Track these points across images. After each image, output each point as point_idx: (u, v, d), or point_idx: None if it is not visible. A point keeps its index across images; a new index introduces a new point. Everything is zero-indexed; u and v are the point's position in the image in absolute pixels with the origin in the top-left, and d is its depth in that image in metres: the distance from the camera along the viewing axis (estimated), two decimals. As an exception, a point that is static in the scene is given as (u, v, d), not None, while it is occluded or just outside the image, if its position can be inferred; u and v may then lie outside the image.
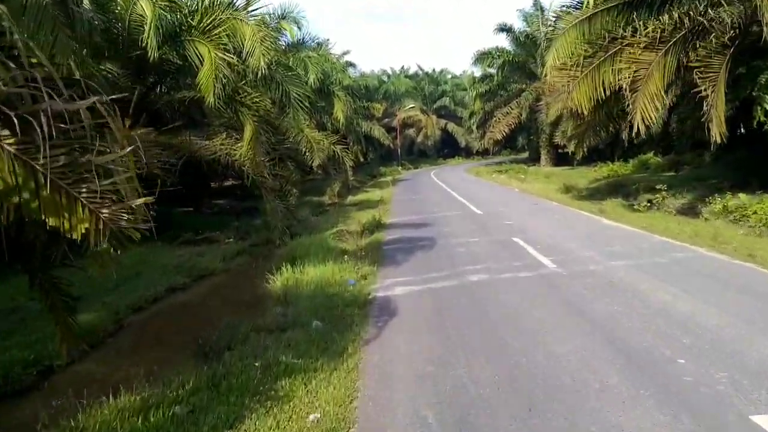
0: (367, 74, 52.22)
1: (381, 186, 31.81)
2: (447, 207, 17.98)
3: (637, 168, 28.38)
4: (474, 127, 39.97)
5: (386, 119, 56.41)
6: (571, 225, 12.52)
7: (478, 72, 40.48)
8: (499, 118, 36.34)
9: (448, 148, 68.89)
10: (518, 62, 35.89)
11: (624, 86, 12.63)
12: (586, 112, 13.96)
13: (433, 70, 68.60)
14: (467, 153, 67.63)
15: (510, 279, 7.79)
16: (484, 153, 69.74)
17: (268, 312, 7.01)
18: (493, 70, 38.52)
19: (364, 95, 51.75)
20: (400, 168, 53.24)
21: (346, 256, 10.22)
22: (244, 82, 13.80)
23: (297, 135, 23.97)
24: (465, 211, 16.53)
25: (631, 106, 11.79)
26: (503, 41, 36.54)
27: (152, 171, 12.15)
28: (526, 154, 64.12)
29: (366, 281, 8.32)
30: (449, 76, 70.78)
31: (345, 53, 55.42)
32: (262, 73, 13.62)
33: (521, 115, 35.85)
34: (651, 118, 11.41)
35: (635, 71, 11.80)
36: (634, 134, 11.75)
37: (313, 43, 28.87)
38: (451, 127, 63.43)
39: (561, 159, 38.19)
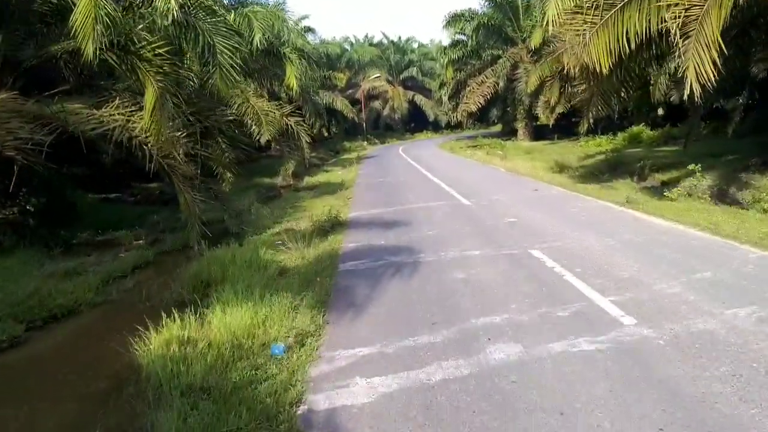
0: (329, 41, 48.01)
1: (344, 164, 28.22)
2: (425, 194, 14.66)
3: (628, 142, 25.56)
4: (445, 98, 36.57)
5: (350, 90, 52.49)
6: (606, 225, 8.82)
7: (448, 38, 36.77)
8: (473, 88, 33.02)
9: (415, 122, 65.32)
10: (494, 26, 32.44)
11: (661, 32, 9.39)
12: (605, 71, 10.64)
13: (399, 38, 64.53)
14: (435, 127, 64.24)
15: (572, 361, 4.11)
16: (453, 127, 66.58)
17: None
18: (464, 36, 35.00)
19: (325, 63, 47.71)
20: (365, 143, 49.57)
21: (283, 281, 6.79)
22: (142, 26, 10.01)
23: (242, 105, 20.26)
24: (450, 202, 13.01)
25: (682, 57, 8.53)
26: (477, 3, 32.98)
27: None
28: (498, 128, 61.25)
29: (303, 350, 4.68)
30: (416, 45, 66.85)
31: (303, 18, 51.33)
32: (174, 16, 9.92)
33: (497, 85, 32.59)
34: (707, 75, 8.21)
35: (686, 9, 8.51)
36: (686, 96, 8.55)
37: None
38: (419, 99, 59.77)
39: (538, 133, 35.28)
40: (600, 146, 26.27)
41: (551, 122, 30.43)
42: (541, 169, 19.38)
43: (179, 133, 10.37)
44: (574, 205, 11.16)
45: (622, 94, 14.26)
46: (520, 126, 34.60)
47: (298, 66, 21.93)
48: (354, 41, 60.84)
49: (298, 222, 11.47)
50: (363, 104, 51.79)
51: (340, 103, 44.58)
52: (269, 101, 21.33)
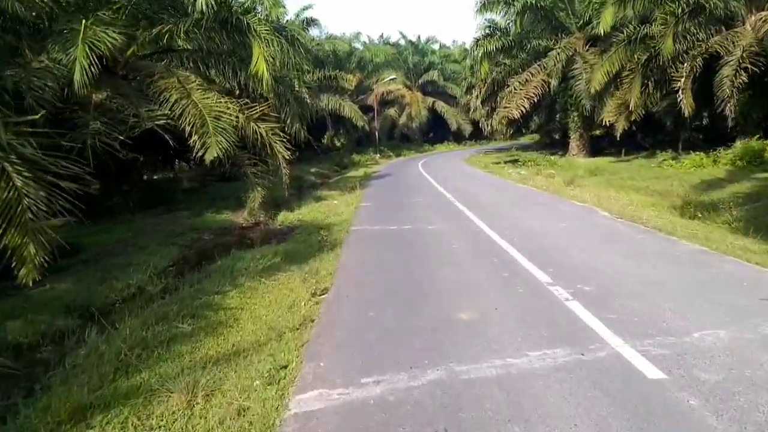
0: (336, 37, 41.10)
1: (347, 186, 21.01)
2: (490, 284, 6.56)
3: (746, 162, 18.00)
4: (477, 102, 29.36)
5: (360, 96, 45.52)
6: None
7: (481, 27, 29.33)
8: (514, 89, 25.71)
9: (435, 132, 58.16)
10: (543, 9, 25.15)
11: None
12: None
13: (418, 38, 57.49)
14: (457, 138, 57.02)
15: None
16: (477, 138, 59.26)
17: None
18: (500, 17, 27.59)
19: (332, 62, 40.84)
20: (377, 156, 42.42)
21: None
22: None
23: (179, 102, 13.37)
24: (581, 344, 4.59)
25: None
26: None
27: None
28: (529, 139, 53.74)
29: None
30: (437, 46, 59.82)
31: (305, 8, 44.73)
32: None
33: (546, 84, 25.27)
34: None
35: None
36: None
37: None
38: (440, 106, 52.65)
39: (593, 147, 27.83)
40: (701, 166, 18.76)
41: (618, 132, 22.98)
42: (649, 206, 12.02)
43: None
44: None
45: None
46: (573, 137, 27.14)
47: (275, 48, 14.87)
48: (366, 41, 53.95)
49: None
50: (376, 111, 44.74)
51: (349, 109, 37.60)
52: (228, 98, 14.35)
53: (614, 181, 17.30)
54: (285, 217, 14.44)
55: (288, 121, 16.13)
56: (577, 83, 23.70)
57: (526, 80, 25.65)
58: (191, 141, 12.81)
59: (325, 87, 38.03)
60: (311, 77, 36.32)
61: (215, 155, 12.69)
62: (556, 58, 24.14)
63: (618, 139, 23.50)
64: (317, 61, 40.03)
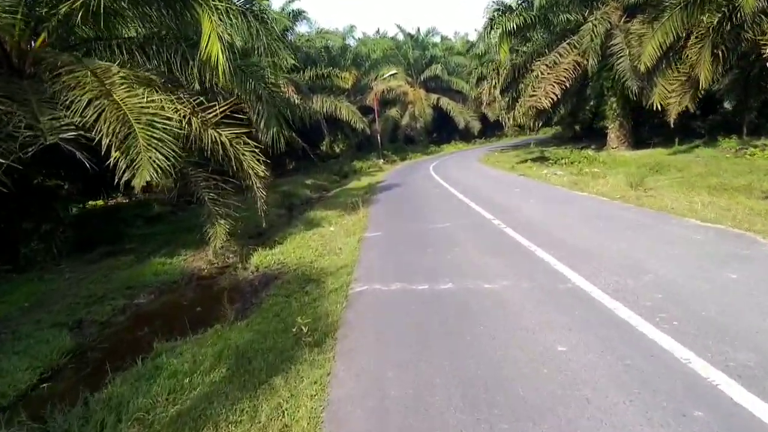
0: (328, 31, 37.00)
1: (344, 205, 16.83)
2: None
3: None
4: (497, 93, 25.19)
5: (358, 96, 41.46)
6: None
7: (487, 15, 25.01)
8: (541, 73, 21.53)
9: (441, 131, 54.03)
10: (570, -25, 20.99)
11: None
12: None
13: (418, 30, 53.36)
14: (466, 136, 52.88)
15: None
16: (487, 135, 55.10)
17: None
18: None
19: (324, 59, 36.78)
20: (381, 161, 38.31)
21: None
22: None
23: (94, 103, 9.42)
24: None
25: None
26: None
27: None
28: (543, 133, 49.44)
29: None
30: (438, 39, 55.66)
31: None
32: None
33: (579, 66, 21.07)
34: None
35: None
36: None
37: None
38: (446, 103, 48.46)
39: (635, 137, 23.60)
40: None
41: (672, 117, 18.77)
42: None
43: None
44: None
45: None
46: (612, 127, 22.90)
47: (237, 24, 10.83)
48: (362, 36, 49.84)
49: None
50: (376, 112, 40.60)
51: (346, 111, 33.48)
52: (171, 96, 10.35)
53: (695, 181, 13.07)
54: (262, 258, 10.28)
55: (262, 125, 12.00)
56: (619, 61, 19.49)
57: (555, 62, 21.46)
58: (112, 159, 8.78)
59: (317, 87, 33.99)
60: (301, 77, 32.33)
61: (149, 178, 8.63)
62: (592, 32, 19.92)
63: (672, 125, 19.28)
64: (308, 58, 35.99)
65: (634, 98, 19.58)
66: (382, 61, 42.89)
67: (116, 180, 8.64)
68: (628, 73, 19.25)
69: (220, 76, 10.09)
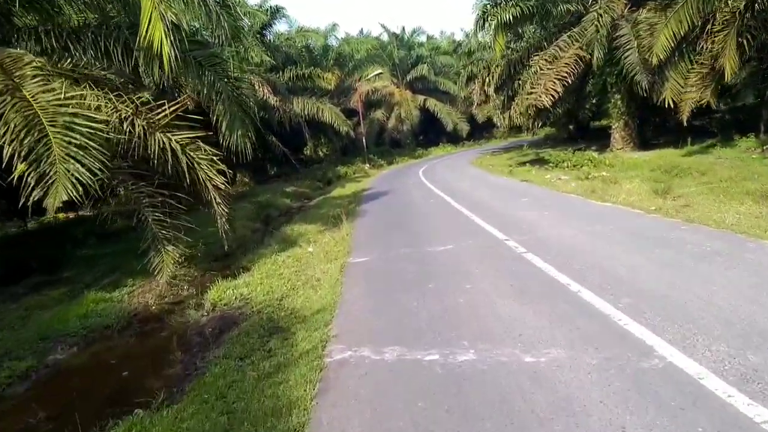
0: (309, 29, 34.99)
1: (326, 218, 14.82)
2: None
3: None
4: (491, 91, 23.39)
5: (342, 98, 39.50)
6: None
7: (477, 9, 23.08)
8: (540, 68, 19.74)
9: (428, 134, 52.15)
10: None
11: None
12: None
13: (403, 29, 51.57)
14: (454, 139, 51.06)
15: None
16: (475, 138, 53.37)
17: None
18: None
19: (305, 59, 34.77)
20: (366, 166, 36.36)
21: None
22: None
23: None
24: None
25: None
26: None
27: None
28: (532, 135, 47.77)
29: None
30: (423, 38, 53.89)
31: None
32: None
33: (582, 60, 19.33)
34: None
35: None
36: None
37: None
38: (433, 104, 46.66)
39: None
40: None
41: (685, 114, 17.09)
42: None
43: None
44: None
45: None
46: (616, 126, 21.17)
47: (188, 3, 8.82)
48: (345, 35, 47.87)
49: None
50: (361, 114, 38.64)
51: (329, 113, 31.47)
52: (106, 92, 8.27)
53: (728, 187, 11.24)
54: (222, 292, 8.23)
55: (223, 128, 9.98)
56: (626, 54, 17.76)
57: (554, 57, 19.67)
58: (16, 173, 6.77)
59: (298, 89, 31.98)
60: (281, 77, 30.32)
61: (66, 197, 6.65)
62: (598, 22, 18.16)
63: (685, 123, 17.59)
64: (287, 59, 33.98)
65: (645, 94, 17.82)
66: (367, 61, 40.96)
67: (21, 200, 6.62)
68: (636, 67, 17.50)
69: (165, 67, 8.08)
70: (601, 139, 26.35)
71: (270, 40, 32.36)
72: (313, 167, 35.77)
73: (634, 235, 7.56)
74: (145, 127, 8.48)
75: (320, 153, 41.34)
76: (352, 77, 38.72)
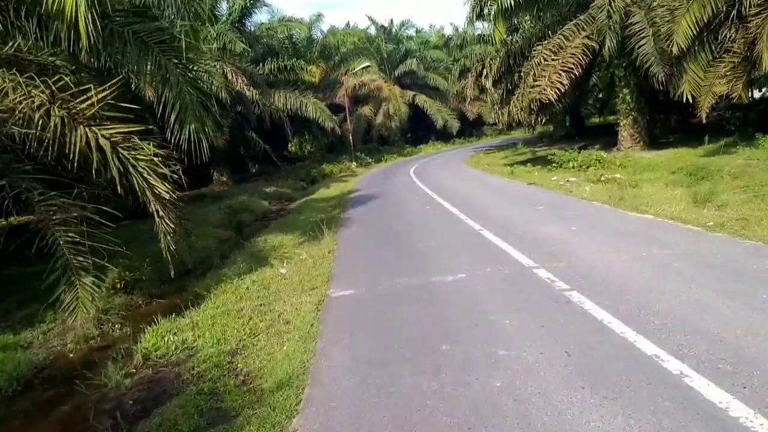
0: (292, 18, 32.85)
1: (305, 227, 12.85)
2: None
3: None
4: (488, 85, 21.55)
5: (328, 93, 37.50)
6: None
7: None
8: (544, 59, 17.92)
9: (417, 131, 50.32)
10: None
11: None
12: None
13: (391, 22, 49.54)
14: (444, 136, 49.27)
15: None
16: (467, 135, 51.61)
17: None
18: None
19: (288, 51, 32.71)
20: (353, 164, 34.41)
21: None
22: None
23: None
24: None
25: None
26: None
27: None
28: (522, 133, 46.04)
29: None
30: (413, 31, 51.97)
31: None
32: None
33: (590, 50, 17.55)
34: None
35: None
36: None
37: None
38: (422, 100, 44.85)
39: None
40: None
41: (703, 110, 15.38)
42: None
43: None
44: None
45: None
46: (625, 123, 19.40)
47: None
48: (328, 29, 45.70)
49: None
50: (347, 109, 36.63)
51: (313, 108, 29.43)
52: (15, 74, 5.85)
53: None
54: (159, 337, 6.22)
55: (172, 120, 7.98)
56: (640, 43, 16.00)
57: (559, 47, 17.88)
58: None
59: (280, 82, 29.91)
60: (261, 69, 28.24)
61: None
62: (610, 7, 16.34)
63: (704, 120, 15.89)
64: (269, 50, 31.89)
65: (660, 87, 16.09)
66: (354, 54, 38.96)
67: None
68: (652, 58, 15.77)
69: (83, 40, 6.07)
70: (600, 137, 24.67)
71: (250, 29, 30.29)
72: (296, 165, 33.74)
73: (712, 268, 5.65)
74: (66, 119, 6.50)
75: (306, 150, 39.30)
76: (338, 71, 36.68)
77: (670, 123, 20.86)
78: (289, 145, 36.30)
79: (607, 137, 23.52)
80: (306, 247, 10.28)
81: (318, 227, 11.51)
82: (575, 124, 30.97)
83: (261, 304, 6.91)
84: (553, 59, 17.80)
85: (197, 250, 12.34)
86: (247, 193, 22.82)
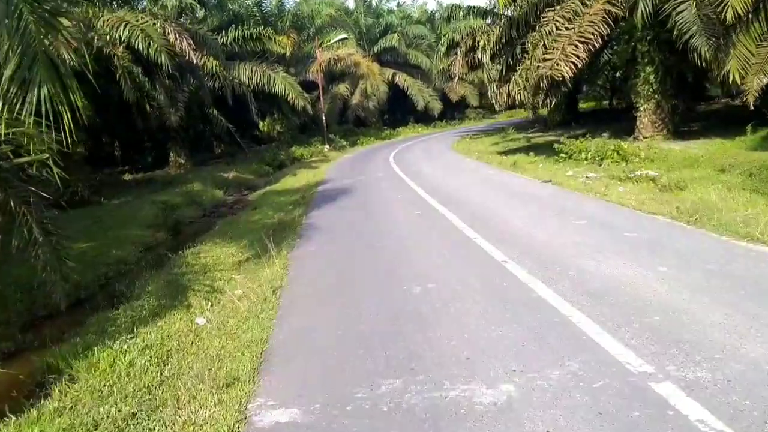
0: (259, -19, 29.07)
1: (256, 234, 9.73)
2: None
3: None
4: (486, 58, 18.40)
5: (300, 68, 34.01)
6: None
7: None
8: (556, 28, 14.91)
9: (396, 112, 47.01)
10: None
11: None
12: None
13: (371, -6, 45.84)
14: (425, 119, 46.13)
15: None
16: (448, 118, 48.55)
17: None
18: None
19: (255, 17, 29.05)
20: (326, 147, 31.10)
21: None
22: None
23: None
24: None
25: None
26: None
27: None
28: (507, 117, 43.43)
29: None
30: (394, 5, 48.33)
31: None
32: None
33: (612, 18, 14.59)
34: None
35: None
36: None
37: None
38: (403, 79, 41.52)
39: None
40: None
41: (752, 96, 12.58)
42: None
43: None
44: None
45: None
46: (645, 109, 16.49)
47: None
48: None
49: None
50: (321, 87, 33.12)
51: (282, 84, 25.94)
52: None
53: None
54: None
55: (4, 77, 4.68)
56: (679, 9, 13.05)
57: (575, 13, 14.88)
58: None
59: (245, 53, 26.37)
60: (224, 37, 24.68)
61: None
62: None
63: (753, 107, 13.08)
64: (234, 18, 28.20)
65: (704, 65, 13.23)
66: (329, 26, 35.38)
67: None
68: (694, 27, 12.85)
69: None
70: (602, 124, 21.86)
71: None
72: (264, 147, 30.29)
73: None
74: None
75: (278, 130, 35.75)
76: (312, 44, 33.09)
77: (693, 109, 18.09)
78: (261, 124, 32.84)
79: (611, 123, 20.74)
80: (247, 271, 7.14)
81: (270, 235, 8.34)
82: (570, 109, 28.13)
83: (135, 413, 3.76)
84: (567, 28, 14.80)
85: (108, 264, 9.13)
86: (200, 179, 19.45)
